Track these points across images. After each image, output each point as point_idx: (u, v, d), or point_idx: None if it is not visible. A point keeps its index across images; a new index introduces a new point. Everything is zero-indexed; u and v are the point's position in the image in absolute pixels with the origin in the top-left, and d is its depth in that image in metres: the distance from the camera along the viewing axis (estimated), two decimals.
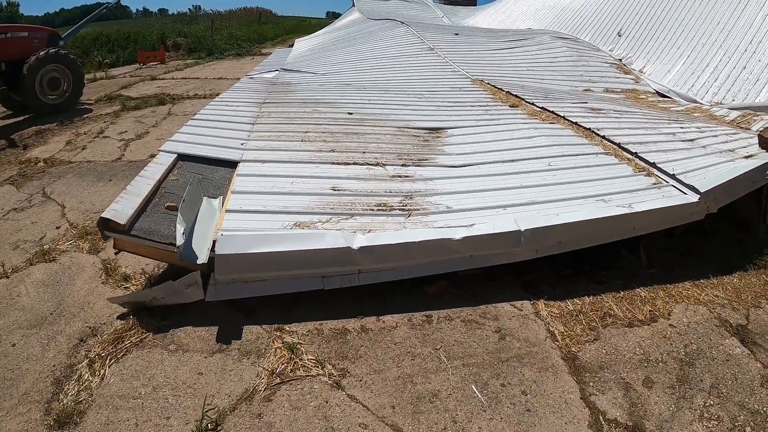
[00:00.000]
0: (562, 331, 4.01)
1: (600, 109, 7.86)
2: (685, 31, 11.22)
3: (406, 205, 5.19)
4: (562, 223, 4.60)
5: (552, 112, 7.67)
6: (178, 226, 4.41)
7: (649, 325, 4.07)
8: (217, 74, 18.18)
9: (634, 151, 5.87)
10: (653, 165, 5.54)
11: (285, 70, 12.57)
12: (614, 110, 7.85)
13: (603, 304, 4.35)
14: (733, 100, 8.84)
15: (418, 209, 5.11)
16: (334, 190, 5.36)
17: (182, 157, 5.98)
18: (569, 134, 6.72)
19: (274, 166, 5.78)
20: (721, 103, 8.87)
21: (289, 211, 4.88)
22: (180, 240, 4.26)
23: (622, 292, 4.51)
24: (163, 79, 16.84)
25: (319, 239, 4.50)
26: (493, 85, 9.74)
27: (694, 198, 4.88)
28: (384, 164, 6.02)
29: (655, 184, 5.21)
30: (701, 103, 9.04)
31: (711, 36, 10.56)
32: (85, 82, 13.45)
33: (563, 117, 7.33)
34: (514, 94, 8.92)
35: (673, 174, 5.25)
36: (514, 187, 5.56)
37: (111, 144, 9.38)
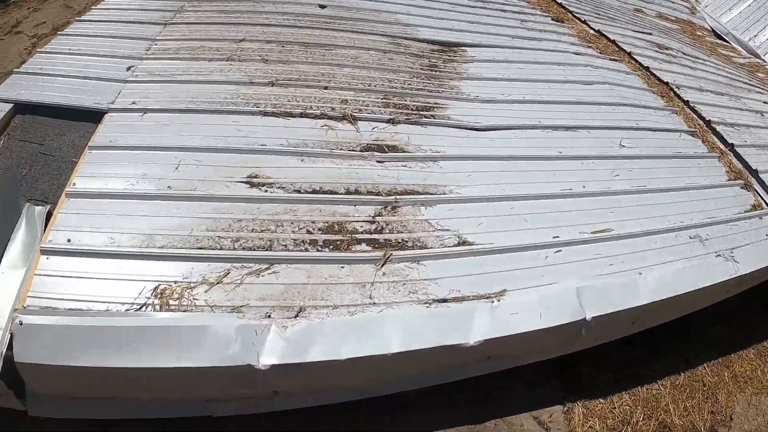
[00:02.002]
0: None
1: (668, 48, 5.55)
2: None
3: (381, 229, 2.53)
4: (649, 302, 2.57)
5: (613, 42, 5.06)
6: None
7: None
8: None
9: (730, 142, 3.91)
10: (754, 173, 3.67)
11: None
12: (683, 54, 5.61)
13: (659, 402, 3.01)
14: None
15: (402, 242, 2.47)
16: (251, 185, 2.66)
17: (22, 109, 3.28)
18: (640, 87, 4.36)
19: (161, 120, 3.00)
20: None
21: (152, 253, 2.34)
22: None
23: (682, 375, 3.19)
24: None
25: (192, 344, 2.10)
26: None
27: None
28: (356, 117, 3.15)
29: (755, 207, 3.39)
30: (764, 61, 7.02)
31: None
32: None
33: (629, 54, 4.89)
34: (557, 1, 5.84)
35: None
36: (570, 194, 3.06)
37: (19, 43, 6.73)
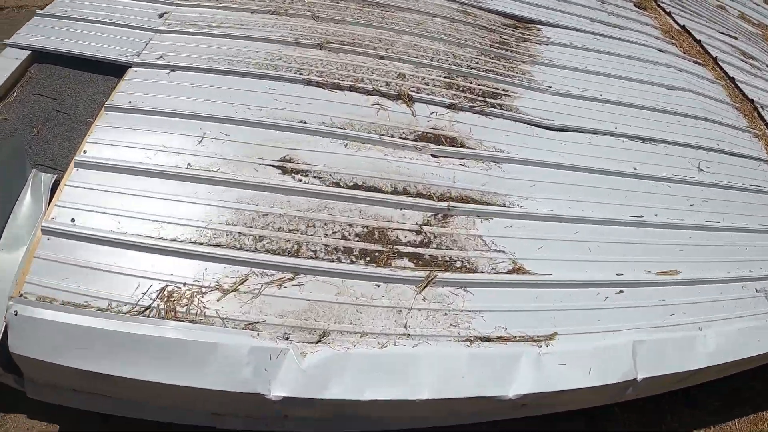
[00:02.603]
0: None
1: (753, 58, 4.88)
2: None
3: (428, 242, 2.11)
4: (705, 366, 2.21)
5: (698, 42, 4.44)
6: None
7: None
8: None
9: None
10: None
11: None
12: None
13: None
14: None
15: (450, 262, 2.06)
16: (283, 171, 2.25)
17: (40, 57, 2.93)
18: (724, 101, 3.75)
19: (188, 80, 2.60)
20: None
21: (162, 246, 2.01)
22: None
23: (712, 429, 2.92)
24: None
25: (198, 362, 1.83)
26: None
27: None
28: (413, 97, 2.66)
29: None
30: None
31: None
32: None
33: (714, 59, 4.25)
34: None
35: None
36: (641, 222, 2.57)
37: None
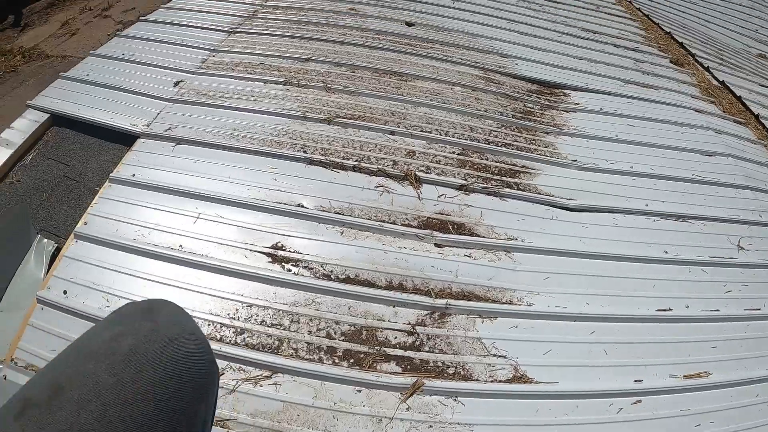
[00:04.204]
0: None
1: None
2: None
3: (420, 345, 2.10)
4: None
5: (738, 98, 4.25)
6: None
7: None
8: None
9: None
10: None
11: None
12: None
13: None
14: None
15: (442, 368, 2.06)
16: (273, 260, 2.31)
17: (58, 120, 3.20)
18: (766, 163, 3.53)
19: (191, 155, 2.74)
20: None
21: None
22: None
23: None
24: None
25: None
26: (647, 15, 5.57)
27: None
28: (421, 178, 2.69)
29: None
30: None
31: None
32: None
33: (756, 116, 4.11)
34: (677, 39, 5.06)
35: None
36: (668, 317, 2.38)
37: (105, 27, 7.02)
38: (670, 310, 2.40)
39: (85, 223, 2.49)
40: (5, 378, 2.05)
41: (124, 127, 3.00)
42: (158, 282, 2.25)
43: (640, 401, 2.05)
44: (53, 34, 6.99)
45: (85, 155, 3.01)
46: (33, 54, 6.52)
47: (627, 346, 2.25)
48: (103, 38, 6.66)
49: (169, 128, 2.93)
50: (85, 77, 3.36)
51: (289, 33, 3.73)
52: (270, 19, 3.95)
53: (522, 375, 2.06)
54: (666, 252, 2.64)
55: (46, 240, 2.67)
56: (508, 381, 2.04)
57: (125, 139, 2.98)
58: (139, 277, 2.27)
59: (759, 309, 2.50)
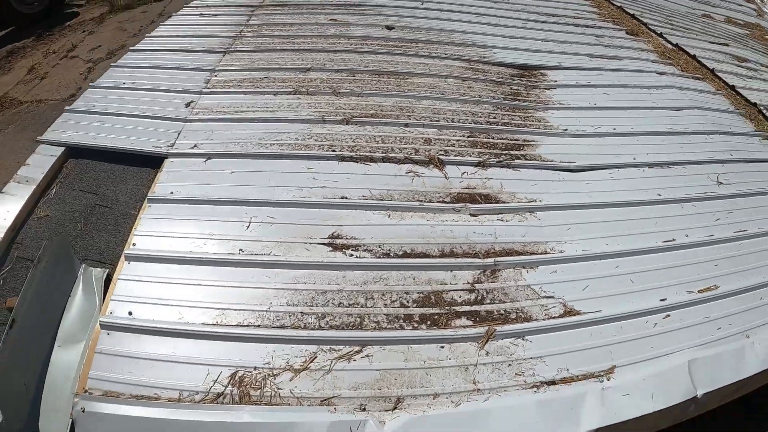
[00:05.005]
0: None
1: (746, 60, 5.21)
2: None
3: (482, 299, 2.28)
4: (758, 371, 2.29)
5: (693, 57, 4.74)
6: None
7: None
8: None
9: None
10: None
11: None
12: (762, 66, 5.20)
13: None
14: None
15: (505, 314, 2.23)
16: (334, 248, 2.44)
17: (74, 152, 3.18)
18: (729, 110, 4.01)
19: (226, 167, 2.82)
20: None
21: (227, 333, 2.14)
22: None
23: None
24: None
25: None
26: None
27: None
28: (443, 160, 2.90)
29: None
30: None
31: None
32: None
33: (712, 71, 4.56)
34: (629, 12, 5.56)
35: None
36: (674, 246, 2.72)
37: (75, 68, 6.88)
38: (673, 240, 2.71)
39: (134, 245, 2.50)
40: (83, 410, 1.99)
41: (147, 150, 3.02)
42: (227, 286, 2.32)
43: (669, 315, 2.35)
44: (21, 81, 6.81)
45: (112, 182, 3.02)
46: (5, 102, 6.34)
47: (647, 274, 2.53)
48: (76, 78, 6.54)
49: (195, 146, 2.99)
50: (92, 108, 3.36)
51: (282, 47, 3.86)
52: (258, 36, 4.05)
53: (571, 309, 2.29)
54: (659, 194, 2.97)
55: (93, 269, 2.66)
56: (561, 316, 2.27)
57: (150, 161, 3.01)
58: (207, 285, 2.33)
59: (746, 230, 2.86)
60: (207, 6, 4.89)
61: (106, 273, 2.60)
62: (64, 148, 3.14)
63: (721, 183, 3.14)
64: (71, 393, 2.18)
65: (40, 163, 3.08)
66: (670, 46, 4.93)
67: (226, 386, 2.03)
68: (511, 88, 3.65)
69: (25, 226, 2.80)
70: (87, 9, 9.64)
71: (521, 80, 3.76)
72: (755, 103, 4.11)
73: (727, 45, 5.49)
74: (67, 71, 6.85)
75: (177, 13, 4.79)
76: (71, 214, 2.89)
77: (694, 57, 4.72)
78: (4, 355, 2.16)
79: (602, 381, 2.11)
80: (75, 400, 2.03)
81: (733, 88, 4.31)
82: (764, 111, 4.04)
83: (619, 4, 5.70)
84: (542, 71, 3.93)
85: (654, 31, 5.18)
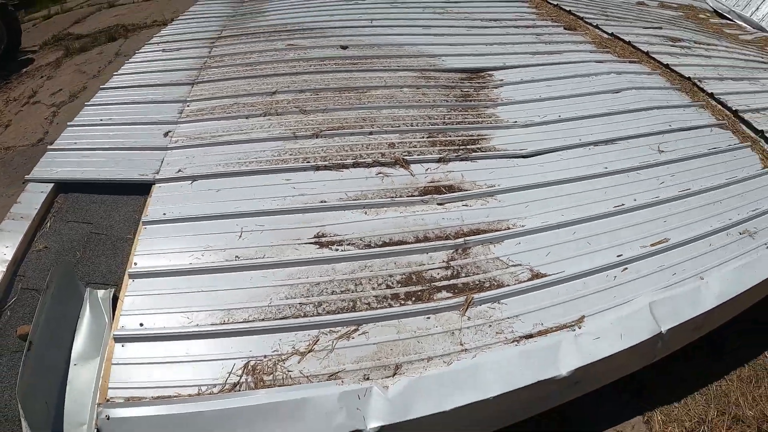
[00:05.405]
0: None
1: (680, 39, 5.68)
2: None
3: (458, 274, 2.56)
4: (716, 305, 2.61)
5: (628, 43, 5.19)
6: (21, 412, 2.18)
7: None
8: None
9: (760, 129, 3.91)
10: None
11: None
12: (695, 43, 5.71)
13: (729, 397, 3.07)
14: None
15: (480, 284, 2.51)
16: (320, 245, 2.70)
17: (63, 187, 3.33)
18: (665, 86, 4.41)
19: (212, 186, 3.05)
20: None
21: (235, 329, 2.34)
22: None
23: (746, 366, 3.21)
24: (123, 4, 12.96)
25: (295, 418, 2.09)
26: None
27: None
28: (408, 160, 3.21)
29: None
30: None
31: None
32: (40, 19, 10.45)
33: (646, 54, 4.95)
34: (566, 9, 6.05)
35: None
36: (624, 209, 3.06)
37: (39, 114, 6.90)
38: (623, 205, 3.06)
39: (135, 264, 2.67)
40: (108, 418, 2.09)
41: (134, 178, 3.21)
42: (229, 289, 2.53)
43: (626, 268, 2.67)
44: None
45: (104, 211, 3.18)
46: None
47: (602, 236, 2.86)
48: (41, 123, 6.55)
49: (179, 170, 3.19)
50: (74, 145, 3.52)
51: (246, 74, 4.11)
52: (222, 66, 4.29)
53: (537, 273, 2.61)
54: (606, 167, 3.33)
55: (98, 291, 2.81)
56: (530, 279, 2.58)
57: (138, 189, 3.19)
58: (211, 291, 2.53)
59: (689, 188, 3.23)
60: (167, 42, 5.10)
61: (112, 292, 2.76)
62: (53, 185, 3.28)
63: (662, 151, 3.51)
64: (93, 405, 2.33)
65: (31, 200, 3.21)
66: (606, 35, 5.35)
67: (241, 376, 2.22)
68: (462, 91, 4.00)
69: (25, 259, 2.93)
70: (41, 55, 9.63)
71: (470, 83, 4.12)
72: (689, 77, 4.51)
73: (660, 28, 5.96)
74: (30, 117, 6.85)
75: (140, 51, 4.97)
76: (69, 243, 3.04)
77: (629, 43, 5.14)
78: (26, 376, 2.29)
79: (574, 330, 2.39)
80: (99, 410, 2.12)
81: (667, 66, 4.71)
82: (698, 83, 4.43)
83: (555, 3, 6.16)
84: (489, 72, 4.30)
85: (590, 24, 5.61)
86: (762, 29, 7.41)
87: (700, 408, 2.97)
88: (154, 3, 12.91)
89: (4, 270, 2.81)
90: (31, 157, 5.56)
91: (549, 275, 2.60)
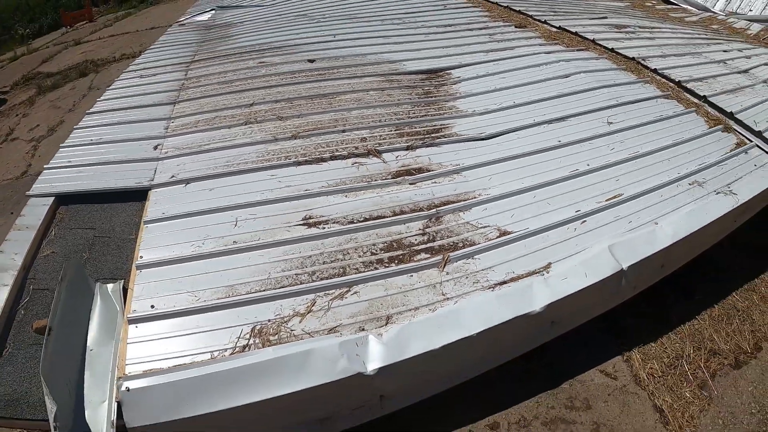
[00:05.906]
0: (671, 403, 2.93)
1: (625, 26, 6.08)
2: None
3: (433, 238, 2.87)
4: (671, 243, 2.95)
5: (575, 33, 5.63)
6: (45, 389, 2.31)
7: (756, 358, 3.20)
8: (150, 23, 14.18)
9: (702, 94, 4.34)
10: (730, 116, 4.10)
11: (221, 7, 9.09)
12: (640, 28, 6.09)
13: (703, 334, 3.31)
14: (750, 11, 7.70)
15: (454, 244, 2.82)
16: (309, 226, 3.00)
17: (63, 199, 3.54)
18: (611, 68, 4.81)
19: (205, 186, 3.31)
20: (736, 14, 7.70)
21: (239, 300, 2.58)
22: (53, 416, 2.27)
23: (716, 307, 3.46)
24: (89, 41, 13.26)
25: (302, 368, 2.33)
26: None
27: None
28: (380, 150, 3.55)
29: (738, 145, 3.81)
30: (714, 12, 7.76)
31: None
32: (7, 61, 10.54)
33: (593, 41, 5.39)
34: (516, 9, 6.56)
35: (759, 131, 3.87)
36: (578, 173, 3.43)
37: (19, 149, 6.96)
38: (577, 169, 3.41)
39: (141, 257, 2.90)
40: (128, 390, 2.22)
41: (131, 186, 3.44)
42: (231, 269, 2.77)
43: (585, 221, 3.02)
44: None
45: (105, 217, 3.39)
46: None
47: (560, 197, 3.20)
48: (23, 157, 6.63)
49: (173, 176, 3.44)
50: (68, 163, 3.73)
51: (224, 91, 4.41)
52: (200, 86, 4.58)
53: (504, 231, 2.94)
54: (559, 140, 3.69)
55: (107, 284, 3.01)
56: (498, 237, 2.90)
57: (136, 195, 3.42)
58: (214, 272, 2.76)
59: (638, 151, 3.58)
60: (144, 68, 5.37)
61: (121, 284, 2.97)
62: (53, 198, 3.47)
63: (611, 123, 3.89)
64: (112, 383, 2.50)
65: (34, 212, 3.40)
66: (554, 29, 5.76)
67: (249, 339, 2.45)
68: (423, 89, 4.38)
69: (34, 263, 3.11)
70: (13, 95, 9.69)
71: (431, 81, 4.51)
72: (633, 57, 4.91)
73: (605, 18, 6.42)
74: (11, 153, 6.91)
75: (118, 78, 5.22)
76: (75, 247, 3.23)
77: (576, 34, 5.55)
78: (48, 357, 2.47)
79: (543, 274, 2.70)
80: (119, 383, 2.25)
81: (613, 50, 5.10)
82: (642, 61, 4.83)
83: (506, 5, 6.63)
84: (447, 71, 4.69)
85: (539, 21, 6.04)
86: (706, 9, 7.97)
87: (677, 345, 3.19)
88: (120, 38, 13.12)
89: (16, 274, 2.99)
90: (17, 188, 5.71)
91: (515, 232, 2.92)
